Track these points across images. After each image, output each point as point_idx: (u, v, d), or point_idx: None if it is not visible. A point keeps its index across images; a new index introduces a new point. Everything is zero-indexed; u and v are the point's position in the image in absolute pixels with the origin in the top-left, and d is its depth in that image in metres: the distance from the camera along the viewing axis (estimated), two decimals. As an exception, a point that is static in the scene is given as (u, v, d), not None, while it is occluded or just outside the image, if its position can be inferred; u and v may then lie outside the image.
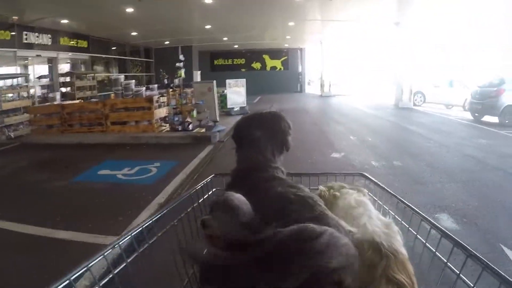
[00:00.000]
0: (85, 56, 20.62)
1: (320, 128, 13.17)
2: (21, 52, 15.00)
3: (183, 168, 7.78)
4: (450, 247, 1.38)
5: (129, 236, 1.47)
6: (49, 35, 16.70)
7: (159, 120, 12.17)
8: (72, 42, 18.94)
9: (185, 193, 1.96)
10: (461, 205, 5.47)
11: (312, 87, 36.38)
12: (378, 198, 1.96)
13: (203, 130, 11.62)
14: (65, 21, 16.06)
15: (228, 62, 35.00)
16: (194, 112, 11.87)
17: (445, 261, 1.43)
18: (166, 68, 24.61)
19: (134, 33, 21.47)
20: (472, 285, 1.27)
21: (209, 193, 2.10)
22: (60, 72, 18.31)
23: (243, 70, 34.16)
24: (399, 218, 1.75)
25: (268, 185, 1.56)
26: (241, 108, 17.04)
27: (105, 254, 1.32)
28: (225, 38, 25.38)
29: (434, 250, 1.51)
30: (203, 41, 26.27)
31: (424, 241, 1.57)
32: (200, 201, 1.99)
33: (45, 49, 16.55)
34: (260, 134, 1.71)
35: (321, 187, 1.82)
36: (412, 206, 1.70)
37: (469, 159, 8.45)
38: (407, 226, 1.70)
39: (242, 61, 35.00)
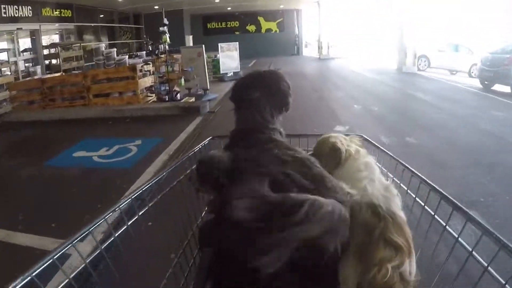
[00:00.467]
0: (70, 26, 19.82)
1: (321, 95, 12.02)
2: (2, 27, 14.36)
3: (167, 146, 7.02)
4: (449, 210, 1.39)
5: (129, 199, 1.49)
6: (30, 7, 15.91)
7: (144, 90, 11.18)
8: (56, 13, 18.10)
9: (183, 156, 1.98)
10: (491, 200, 4.53)
11: (310, 50, 34.95)
12: (377, 160, 1.84)
13: (192, 99, 10.86)
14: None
15: (221, 25, 33.87)
16: (182, 80, 10.83)
17: (444, 224, 1.43)
18: (156, 34, 24.24)
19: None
20: (470, 249, 1.29)
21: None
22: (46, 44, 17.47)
23: (237, 33, 33.06)
24: (398, 181, 1.77)
25: (265, 147, 1.51)
26: (235, 73, 15.99)
27: (106, 217, 1.36)
28: (217, 0, 24.10)
29: (433, 213, 1.52)
30: (194, 4, 25.21)
31: (423, 204, 1.57)
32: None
33: (27, 22, 15.78)
34: (259, 94, 1.64)
35: (341, 137, 1.74)
36: (411, 168, 1.70)
37: (486, 136, 7.41)
38: (406, 189, 1.72)
39: (236, 24, 33.87)
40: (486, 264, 1.22)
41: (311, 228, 1.10)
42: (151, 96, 11.34)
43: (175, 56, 11.90)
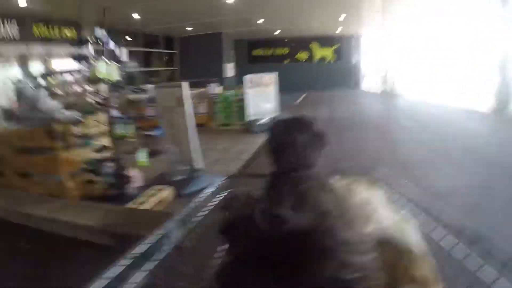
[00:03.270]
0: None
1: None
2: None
3: None
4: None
5: (148, 244, 1.60)
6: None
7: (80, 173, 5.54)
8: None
9: (201, 196, 2.07)
10: None
11: (368, 82, 28.94)
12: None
13: (164, 194, 5.43)
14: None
15: (268, 52, 29.61)
16: (141, 154, 5.62)
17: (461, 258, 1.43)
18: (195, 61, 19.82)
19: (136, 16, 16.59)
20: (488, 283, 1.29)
21: (224, 194, 2.18)
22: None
23: (286, 62, 28.92)
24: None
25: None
26: (271, 119, 10.40)
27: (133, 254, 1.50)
28: (260, 21, 19.82)
29: (450, 248, 1.52)
30: (235, 26, 21.13)
31: (438, 241, 1.57)
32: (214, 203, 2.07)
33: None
34: (300, 136, 1.66)
35: (336, 180, 1.63)
36: (419, 205, 1.76)
37: None
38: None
39: (285, 51, 29.46)
40: None
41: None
42: (96, 184, 5.60)
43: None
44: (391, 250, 1.27)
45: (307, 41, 28.54)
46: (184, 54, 24.29)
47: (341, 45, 28.52)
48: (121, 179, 5.35)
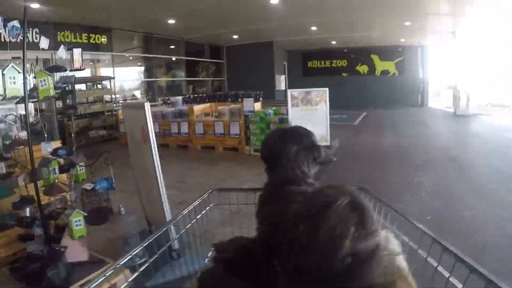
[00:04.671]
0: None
1: None
2: None
3: None
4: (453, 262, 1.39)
5: (129, 256, 1.60)
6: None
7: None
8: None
9: (184, 210, 2.05)
10: None
11: (437, 100, 24.80)
12: (377, 213, 1.95)
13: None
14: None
15: (325, 64, 26.79)
16: (74, 224, 3.19)
17: (447, 276, 1.42)
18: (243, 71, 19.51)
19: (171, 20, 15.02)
20: None
21: (207, 208, 2.23)
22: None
23: (344, 75, 25.99)
24: (399, 233, 1.76)
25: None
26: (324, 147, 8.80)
27: (107, 274, 1.46)
28: (313, 28, 17.46)
29: (436, 265, 1.51)
30: (287, 34, 19.34)
31: (426, 255, 1.58)
32: (198, 217, 2.14)
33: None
34: (296, 148, 1.70)
35: None
36: (413, 221, 1.73)
37: None
38: (407, 241, 1.70)
39: (343, 63, 26.42)
40: None
41: None
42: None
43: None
44: (380, 272, 1.17)
45: (367, 52, 25.52)
46: (231, 64, 22.76)
47: (405, 57, 25.13)
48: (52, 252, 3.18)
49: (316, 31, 18.26)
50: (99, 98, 14.39)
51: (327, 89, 8.93)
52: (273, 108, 9.87)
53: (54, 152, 3.44)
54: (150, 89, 18.46)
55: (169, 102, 13.37)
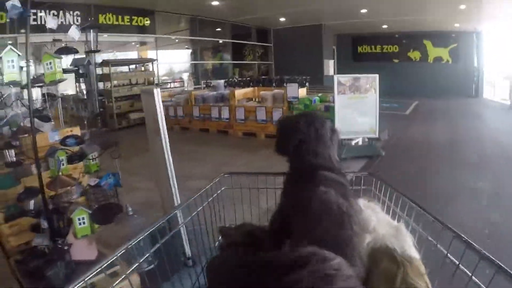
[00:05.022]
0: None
1: None
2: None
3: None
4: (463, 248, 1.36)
5: (141, 237, 1.54)
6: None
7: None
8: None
9: (195, 193, 2.00)
10: None
11: (493, 90, 22.63)
12: (388, 199, 1.93)
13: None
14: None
15: (375, 49, 25.67)
16: (77, 222, 2.88)
17: (457, 263, 1.39)
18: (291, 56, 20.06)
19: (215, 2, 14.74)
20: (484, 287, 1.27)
21: (218, 192, 2.15)
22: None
23: (395, 61, 24.76)
24: (410, 219, 1.72)
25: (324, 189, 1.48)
26: (369, 140, 8.24)
27: (118, 255, 1.43)
28: (363, 11, 16.71)
29: (446, 252, 1.46)
30: (336, 17, 18.83)
31: (435, 243, 1.53)
32: (209, 200, 2.06)
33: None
34: (314, 133, 1.64)
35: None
36: (423, 207, 1.66)
37: None
38: (418, 229, 1.66)
39: (394, 48, 25.18)
40: None
41: None
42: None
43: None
44: (388, 261, 1.31)
45: (420, 37, 24.24)
46: (279, 47, 22.29)
47: (459, 44, 23.63)
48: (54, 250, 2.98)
49: (367, 14, 17.48)
50: (147, 79, 14.38)
51: (377, 75, 8.19)
52: (319, 95, 9.31)
53: (63, 141, 3.12)
54: (196, 72, 18.34)
55: (211, 85, 13.03)
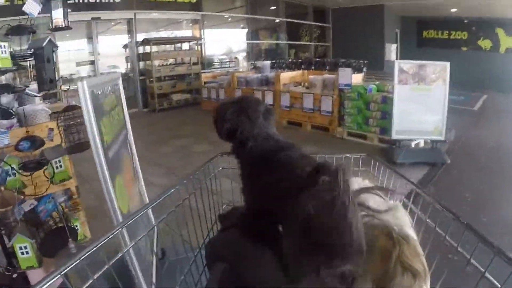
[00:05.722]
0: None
1: None
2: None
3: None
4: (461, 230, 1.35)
5: (135, 217, 1.54)
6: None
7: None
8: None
9: (191, 173, 2.01)
10: None
11: None
12: (386, 179, 1.97)
13: None
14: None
15: (442, 35, 23.44)
16: (19, 250, 2.26)
17: (455, 245, 1.41)
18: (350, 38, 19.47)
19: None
20: (483, 270, 1.28)
21: (216, 171, 2.20)
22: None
23: (464, 49, 22.47)
24: (407, 201, 1.72)
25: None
26: (433, 143, 6.62)
27: (120, 229, 1.45)
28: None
29: (445, 234, 1.47)
30: None
31: (434, 225, 1.55)
32: (206, 181, 2.08)
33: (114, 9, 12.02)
34: (261, 115, 1.65)
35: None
36: (419, 188, 1.68)
37: None
38: (416, 210, 1.68)
39: (463, 35, 22.83)
40: (499, 285, 1.22)
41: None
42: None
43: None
44: (384, 238, 1.28)
45: (491, 25, 21.94)
46: (337, 29, 21.11)
47: None
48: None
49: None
50: (191, 59, 13.85)
51: (447, 63, 6.82)
52: (376, 83, 8.03)
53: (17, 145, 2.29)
54: (252, 53, 17.61)
55: (256, 66, 12.05)
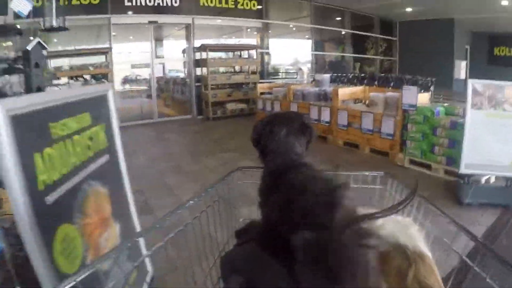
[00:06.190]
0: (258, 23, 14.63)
1: None
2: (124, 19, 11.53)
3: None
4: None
5: (153, 228, 1.60)
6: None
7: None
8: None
9: (210, 186, 2.02)
10: None
11: None
12: (400, 196, 1.93)
13: None
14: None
15: (517, 52, 22.24)
16: None
17: (472, 264, 1.43)
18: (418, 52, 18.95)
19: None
20: None
21: (233, 185, 2.23)
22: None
23: (541, 68, 21.05)
24: (431, 226, 1.73)
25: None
26: (507, 181, 5.43)
27: (128, 245, 1.58)
28: (504, 3, 14.31)
29: (460, 254, 1.51)
30: (471, 10, 16.36)
31: (449, 243, 1.58)
32: (224, 195, 2.11)
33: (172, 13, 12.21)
34: (286, 131, 1.68)
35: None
36: (437, 206, 1.71)
37: None
38: (428, 225, 1.70)
39: None
40: None
41: None
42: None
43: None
44: (399, 257, 1.29)
45: None
46: (404, 42, 20.54)
47: None
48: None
49: (509, 7, 14.76)
50: (250, 68, 13.62)
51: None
52: (445, 105, 7.26)
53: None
54: (316, 65, 17.09)
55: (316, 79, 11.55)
